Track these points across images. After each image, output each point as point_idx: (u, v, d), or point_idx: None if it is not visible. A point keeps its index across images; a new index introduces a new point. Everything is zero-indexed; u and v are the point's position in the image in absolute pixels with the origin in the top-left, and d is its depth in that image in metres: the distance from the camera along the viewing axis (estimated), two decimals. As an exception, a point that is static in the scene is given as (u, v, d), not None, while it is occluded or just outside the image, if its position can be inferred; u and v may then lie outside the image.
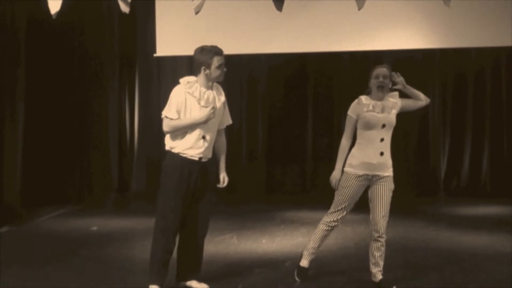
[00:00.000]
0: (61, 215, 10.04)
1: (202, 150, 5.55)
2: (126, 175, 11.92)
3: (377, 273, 5.81)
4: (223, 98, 5.69)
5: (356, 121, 5.73)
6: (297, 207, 10.40)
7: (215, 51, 5.54)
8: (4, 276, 6.33)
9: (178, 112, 5.48)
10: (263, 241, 7.94)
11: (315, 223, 8.83)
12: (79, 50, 11.21)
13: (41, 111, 10.72)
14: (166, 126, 5.53)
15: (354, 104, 5.77)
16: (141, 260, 6.74)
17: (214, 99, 5.58)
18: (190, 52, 8.53)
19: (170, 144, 5.59)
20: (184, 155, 5.52)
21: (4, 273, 6.41)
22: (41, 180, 10.71)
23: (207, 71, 5.51)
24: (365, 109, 5.68)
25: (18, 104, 9.89)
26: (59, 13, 5.43)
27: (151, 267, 5.64)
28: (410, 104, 5.86)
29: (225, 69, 5.60)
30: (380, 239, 5.75)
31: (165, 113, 5.52)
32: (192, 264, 5.80)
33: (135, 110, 11.85)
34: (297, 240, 7.97)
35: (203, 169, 5.60)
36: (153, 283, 5.61)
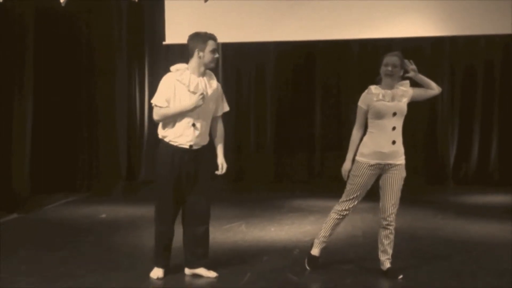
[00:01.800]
0: (69, 203, 10.07)
1: (191, 138, 5.57)
2: (135, 163, 11.96)
3: (385, 261, 5.82)
4: (215, 84, 5.70)
5: (367, 112, 5.71)
6: (305, 196, 10.41)
7: (209, 35, 5.61)
8: (13, 262, 6.36)
9: (168, 100, 5.53)
10: (272, 229, 7.94)
11: (323, 211, 8.88)
12: (88, 37, 11.19)
13: (50, 99, 10.73)
14: (155, 114, 5.59)
15: (364, 94, 5.75)
16: (149, 247, 6.74)
17: (205, 85, 5.60)
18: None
19: (161, 133, 5.66)
20: (175, 144, 5.57)
21: (13, 260, 6.45)
22: (49, 168, 10.74)
23: (201, 53, 5.54)
24: (375, 99, 5.66)
25: (27, 92, 9.89)
26: (68, 0, 5.45)
27: (154, 251, 5.90)
28: (422, 93, 5.83)
29: (217, 55, 5.64)
30: (389, 226, 5.75)
31: (154, 101, 5.59)
32: (198, 251, 5.83)
33: (145, 98, 11.86)
34: (306, 228, 7.98)
35: (195, 157, 5.63)
36: (156, 265, 5.85)
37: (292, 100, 12.13)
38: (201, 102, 5.44)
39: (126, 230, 7.96)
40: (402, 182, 5.75)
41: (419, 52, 11.15)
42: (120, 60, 11.40)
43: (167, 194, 5.62)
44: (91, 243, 7.28)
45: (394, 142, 5.65)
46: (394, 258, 5.85)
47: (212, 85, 5.66)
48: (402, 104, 5.69)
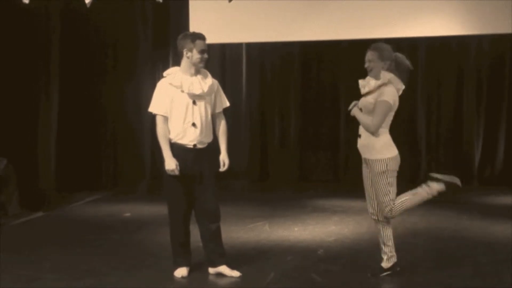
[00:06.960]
0: (94, 201, 10.14)
1: (194, 137, 5.66)
2: (159, 161, 11.99)
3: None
4: (210, 81, 5.74)
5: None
6: (329, 195, 10.38)
7: (198, 35, 5.66)
8: (38, 259, 6.44)
9: (165, 106, 5.64)
10: (295, 229, 7.94)
11: (347, 211, 8.88)
12: (113, 38, 11.26)
13: (76, 98, 10.82)
14: (158, 123, 5.73)
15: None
16: (173, 246, 6.79)
17: (199, 84, 5.63)
18: (223, 40, 8.50)
19: None
20: (180, 143, 5.67)
21: (38, 257, 6.53)
22: (75, 166, 10.82)
23: (189, 53, 5.61)
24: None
25: (52, 91, 9.98)
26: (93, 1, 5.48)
27: (172, 251, 5.95)
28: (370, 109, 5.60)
29: (206, 55, 5.67)
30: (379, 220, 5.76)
31: (151, 109, 5.75)
32: (214, 249, 5.87)
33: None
34: (330, 228, 7.96)
35: (200, 155, 5.71)
36: (176, 265, 5.90)
37: (317, 100, 12.10)
38: (175, 172, 5.62)
39: (150, 228, 7.99)
40: (377, 179, 5.54)
41: (444, 51, 11.07)
42: (144, 61, 11.44)
43: (176, 194, 5.74)
44: (116, 241, 7.33)
45: (360, 136, 5.65)
46: (419, 259, 5.81)
47: (207, 82, 5.70)
48: (367, 99, 5.61)
